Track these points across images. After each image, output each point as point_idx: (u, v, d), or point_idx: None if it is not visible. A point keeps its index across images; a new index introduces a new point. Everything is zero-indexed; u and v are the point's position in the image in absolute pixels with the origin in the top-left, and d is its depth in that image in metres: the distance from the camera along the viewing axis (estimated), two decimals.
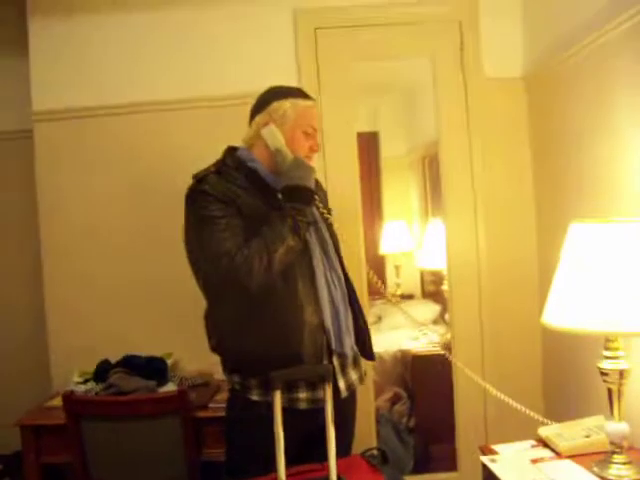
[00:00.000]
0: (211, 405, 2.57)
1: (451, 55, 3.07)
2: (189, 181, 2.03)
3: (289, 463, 1.79)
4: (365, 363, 2.25)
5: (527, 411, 2.15)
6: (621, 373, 1.81)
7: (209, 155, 2.12)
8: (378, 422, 3.40)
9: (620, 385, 1.82)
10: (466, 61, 3.06)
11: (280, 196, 2.01)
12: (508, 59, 3.08)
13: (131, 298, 3.12)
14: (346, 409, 2.18)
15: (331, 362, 2.05)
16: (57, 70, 3.09)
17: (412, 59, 3.29)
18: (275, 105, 2.07)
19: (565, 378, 2.80)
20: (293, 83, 2.87)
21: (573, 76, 2.54)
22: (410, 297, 4.48)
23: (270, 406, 1.70)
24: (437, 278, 4.10)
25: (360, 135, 4.47)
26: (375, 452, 2.01)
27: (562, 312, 1.84)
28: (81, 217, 3.12)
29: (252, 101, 2.16)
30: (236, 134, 2.20)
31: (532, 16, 2.98)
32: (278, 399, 1.68)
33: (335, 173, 3.00)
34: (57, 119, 3.09)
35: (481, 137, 3.09)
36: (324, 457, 1.70)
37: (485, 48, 3.07)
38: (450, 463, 3.23)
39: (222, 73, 3.08)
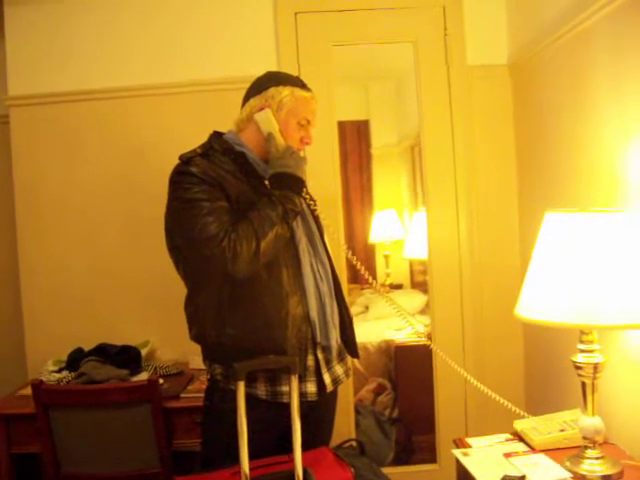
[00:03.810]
0: (183, 395, 2.53)
1: (434, 41, 3.02)
2: (169, 167, 1.97)
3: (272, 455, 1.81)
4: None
5: (505, 403, 2.12)
6: (595, 367, 1.78)
7: (190, 141, 2.06)
8: (359, 413, 3.38)
9: (594, 379, 1.79)
10: (450, 47, 3.01)
11: (267, 183, 1.97)
12: (492, 46, 3.03)
13: (108, 286, 3.09)
14: (330, 404, 2.17)
15: (315, 355, 2.01)
16: (34, 54, 3.05)
17: (396, 45, 3.23)
18: (273, 90, 2.01)
19: (547, 370, 2.77)
20: (273, 69, 2.82)
21: (555, 63, 2.50)
22: (399, 287, 4.45)
23: (251, 397, 1.69)
24: (426, 268, 4.07)
25: (351, 123, 4.47)
26: (354, 443, 1.99)
27: (536, 304, 1.81)
28: (58, 204, 3.09)
29: (231, 87, 2.11)
30: (217, 120, 2.16)
31: (517, 2, 2.93)
32: (242, 390, 1.66)
33: (315, 162, 2.94)
34: (34, 104, 3.04)
35: (464, 126, 3.05)
36: (306, 450, 1.70)
37: (469, 34, 3.02)
38: (432, 455, 3.21)
39: (201, 58, 3.04)
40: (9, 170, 3.08)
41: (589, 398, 1.80)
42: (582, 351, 1.79)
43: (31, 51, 3.04)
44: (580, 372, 1.80)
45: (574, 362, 1.80)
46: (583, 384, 1.80)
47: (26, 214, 3.08)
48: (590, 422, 1.80)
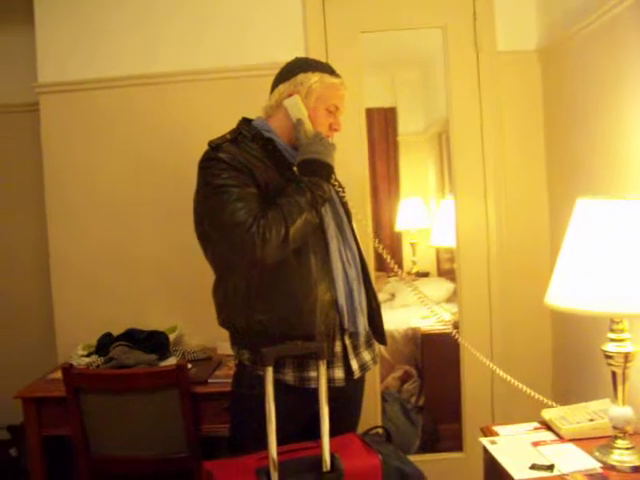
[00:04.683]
0: (211, 380, 2.55)
1: (463, 27, 2.98)
2: (199, 153, 1.97)
3: (300, 441, 1.80)
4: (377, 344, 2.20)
5: (532, 393, 2.11)
6: (626, 356, 1.76)
7: (219, 127, 2.06)
8: (385, 400, 3.38)
9: (625, 368, 1.77)
10: (479, 33, 2.96)
11: (296, 169, 1.96)
12: (522, 31, 2.98)
13: (137, 272, 3.12)
14: (357, 390, 2.16)
15: (343, 341, 2.01)
16: (64, 42, 3.07)
17: (424, 31, 3.21)
18: (302, 77, 2.01)
19: (576, 359, 2.74)
20: (301, 55, 2.81)
21: (586, 48, 2.46)
22: (425, 275, 4.43)
23: (278, 383, 1.68)
24: (452, 256, 4.05)
25: (378, 111, 4.45)
26: (380, 430, 1.99)
27: (566, 292, 1.79)
28: (88, 191, 3.12)
29: (260, 74, 2.10)
30: (246, 106, 2.15)
31: None
32: (270, 375, 1.65)
33: (343, 149, 2.93)
34: (64, 91, 3.07)
35: (493, 112, 3.01)
36: (333, 436, 1.69)
37: (499, 20, 2.97)
38: (458, 443, 3.20)
39: (230, 45, 3.04)
40: (39, 157, 3.12)
41: (619, 388, 1.78)
42: (613, 340, 1.77)
43: (61, 38, 3.06)
44: (610, 361, 1.78)
45: (604, 351, 1.78)
46: (613, 373, 1.78)
47: (56, 201, 3.12)
48: (620, 412, 1.78)
